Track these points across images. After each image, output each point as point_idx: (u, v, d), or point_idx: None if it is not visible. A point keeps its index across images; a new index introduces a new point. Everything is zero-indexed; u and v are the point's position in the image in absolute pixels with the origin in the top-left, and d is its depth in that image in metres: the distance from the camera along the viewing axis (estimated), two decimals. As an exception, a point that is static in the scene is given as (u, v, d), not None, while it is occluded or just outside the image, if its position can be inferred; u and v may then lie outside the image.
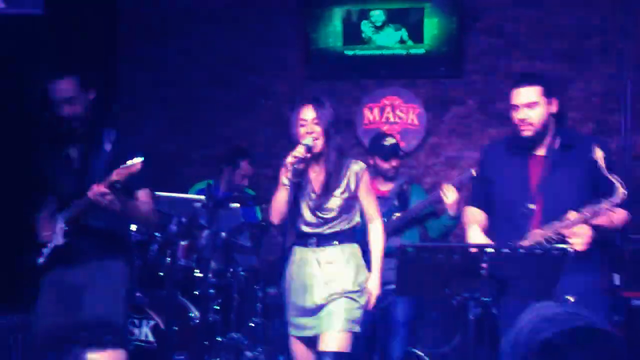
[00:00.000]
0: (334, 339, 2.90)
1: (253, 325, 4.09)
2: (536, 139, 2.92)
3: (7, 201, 4.16)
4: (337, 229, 3.04)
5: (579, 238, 2.71)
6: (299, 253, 3.07)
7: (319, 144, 2.98)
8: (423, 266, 2.37)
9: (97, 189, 2.88)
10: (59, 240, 3.08)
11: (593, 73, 5.11)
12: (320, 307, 2.97)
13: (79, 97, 3.05)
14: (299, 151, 2.93)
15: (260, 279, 4.05)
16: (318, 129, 2.97)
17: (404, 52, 5.29)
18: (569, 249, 2.39)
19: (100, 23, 5.13)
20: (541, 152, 2.96)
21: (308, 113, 2.98)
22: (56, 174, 3.15)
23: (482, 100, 5.30)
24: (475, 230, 2.96)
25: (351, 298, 2.97)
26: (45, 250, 3.12)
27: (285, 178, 2.98)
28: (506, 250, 2.35)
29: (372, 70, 5.38)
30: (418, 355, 4.01)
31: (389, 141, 3.94)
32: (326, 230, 3.03)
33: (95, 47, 4.93)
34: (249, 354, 3.98)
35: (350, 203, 3.05)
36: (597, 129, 4.98)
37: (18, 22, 3.75)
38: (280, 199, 3.01)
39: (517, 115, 2.93)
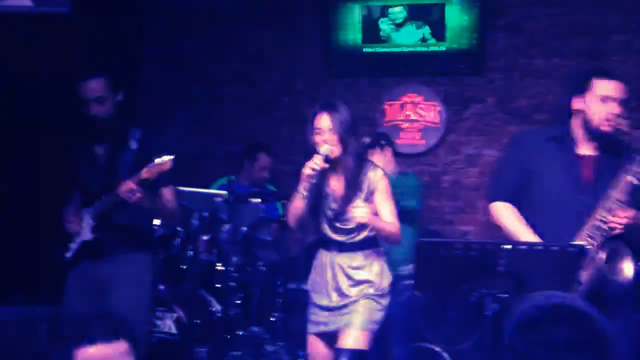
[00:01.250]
0: (353, 336, 2.90)
1: (273, 319, 4.14)
2: (610, 137, 2.77)
3: (35, 195, 4.25)
4: (360, 238, 3.00)
5: (617, 217, 2.64)
6: (323, 257, 3.06)
7: (336, 151, 2.93)
8: (440, 262, 2.40)
9: (128, 186, 2.96)
10: (87, 235, 3.16)
11: (614, 71, 5.08)
12: (341, 307, 2.98)
13: (107, 97, 3.14)
14: (317, 162, 2.87)
15: (280, 273, 4.10)
16: (334, 136, 2.92)
17: (424, 49, 5.31)
18: (586, 246, 2.40)
19: (126, 21, 5.20)
20: (586, 151, 2.85)
21: (323, 121, 2.93)
22: (83, 171, 3.23)
23: (502, 98, 5.30)
24: (524, 229, 2.82)
25: (374, 300, 2.98)
26: (73, 245, 3.20)
27: (302, 188, 2.94)
28: (523, 246, 2.38)
29: (392, 67, 5.39)
30: (436, 352, 4.05)
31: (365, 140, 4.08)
32: (348, 240, 3.01)
33: (120, 46, 5.00)
34: (269, 348, 4.03)
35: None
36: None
37: (46, 20, 3.83)
38: (297, 207, 3.00)
39: (612, 109, 2.75)
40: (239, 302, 4.17)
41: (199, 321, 3.95)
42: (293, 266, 4.24)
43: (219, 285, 4.10)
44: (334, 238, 3.01)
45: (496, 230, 5.23)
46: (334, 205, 2.99)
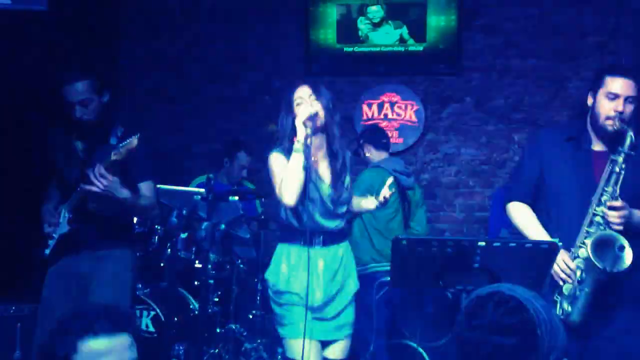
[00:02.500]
0: (341, 347, 2.91)
1: (252, 317, 4.15)
2: (615, 135, 2.74)
3: (11, 192, 4.21)
4: (343, 225, 2.92)
5: (615, 212, 2.64)
6: (301, 253, 2.81)
7: (322, 117, 2.76)
8: (417, 258, 2.43)
9: (97, 170, 2.94)
10: (63, 228, 3.15)
11: (589, 72, 5.17)
12: (324, 307, 2.86)
13: (92, 99, 3.12)
14: (308, 110, 2.69)
15: (259, 271, 4.11)
16: (318, 103, 2.76)
17: (402, 49, 5.35)
18: (558, 243, 2.44)
19: (103, 20, 5.17)
20: (600, 147, 2.84)
21: (304, 91, 2.79)
22: (61, 165, 3.22)
23: (479, 98, 5.37)
24: (536, 228, 2.84)
25: (355, 302, 2.95)
26: (51, 242, 3.18)
27: (298, 143, 2.68)
28: (498, 243, 2.42)
29: (371, 67, 5.43)
30: (413, 348, 4.08)
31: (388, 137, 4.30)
32: (335, 227, 2.86)
33: (98, 44, 4.97)
34: (248, 345, 4.04)
35: (350, 196, 2.94)
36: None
37: (22, 17, 3.80)
38: (295, 169, 2.68)
39: (615, 107, 2.73)
40: (217, 299, 4.18)
41: (177, 319, 3.95)
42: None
43: (197, 283, 4.10)
44: (322, 226, 2.82)
45: (472, 228, 5.32)
46: (329, 190, 2.83)
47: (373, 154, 4.35)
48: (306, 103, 2.76)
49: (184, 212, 3.52)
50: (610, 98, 2.74)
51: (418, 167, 5.37)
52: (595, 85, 2.82)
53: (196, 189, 3.75)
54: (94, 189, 2.96)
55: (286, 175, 2.73)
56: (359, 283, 3.00)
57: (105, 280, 3.13)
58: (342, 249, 2.91)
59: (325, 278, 2.84)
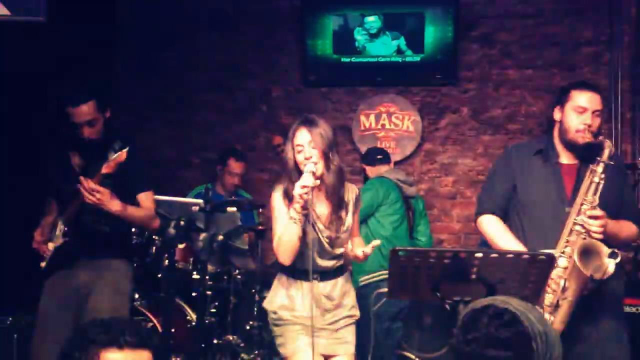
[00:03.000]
0: None
1: (249, 328, 4.14)
2: (585, 147, 2.84)
3: (14, 206, 4.22)
4: (339, 263, 2.92)
5: (596, 220, 2.70)
6: (300, 286, 2.85)
7: (320, 168, 2.76)
8: (414, 269, 2.43)
9: (87, 185, 2.97)
10: (58, 240, 3.15)
11: (592, 82, 5.20)
12: (330, 326, 2.89)
13: (98, 119, 3.18)
14: (307, 181, 2.67)
15: (256, 282, 4.11)
16: (316, 151, 2.76)
17: (399, 59, 5.37)
18: (556, 255, 2.45)
19: (101, 30, 5.19)
20: (567, 160, 2.93)
21: (302, 137, 2.77)
22: (59, 179, 3.23)
23: (476, 108, 5.39)
24: (510, 240, 2.90)
25: (355, 324, 2.98)
26: (47, 255, 3.19)
27: (294, 211, 2.70)
28: (495, 254, 2.42)
29: (368, 77, 5.45)
30: (411, 359, 4.08)
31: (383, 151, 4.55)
32: (332, 266, 2.89)
33: (95, 54, 4.98)
34: (245, 356, 4.03)
35: (350, 232, 2.93)
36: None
37: (22, 28, 3.82)
38: (291, 236, 2.72)
39: (584, 120, 2.84)
40: (214, 310, 4.17)
41: (174, 330, 3.94)
42: (269, 275, 4.25)
43: (194, 294, 4.09)
44: (319, 266, 2.83)
45: (470, 238, 5.33)
46: (326, 232, 2.83)
47: (374, 172, 4.53)
48: (302, 154, 2.77)
49: (182, 222, 3.52)
50: (578, 112, 2.84)
51: (415, 177, 5.38)
52: (561, 100, 2.91)
53: (194, 200, 3.76)
54: (87, 200, 2.98)
55: (282, 240, 2.77)
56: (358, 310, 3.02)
57: (104, 290, 3.13)
58: (341, 281, 2.93)
59: (326, 305, 2.87)
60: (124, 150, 2.95)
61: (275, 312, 2.90)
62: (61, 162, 3.25)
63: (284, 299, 2.88)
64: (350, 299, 2.97)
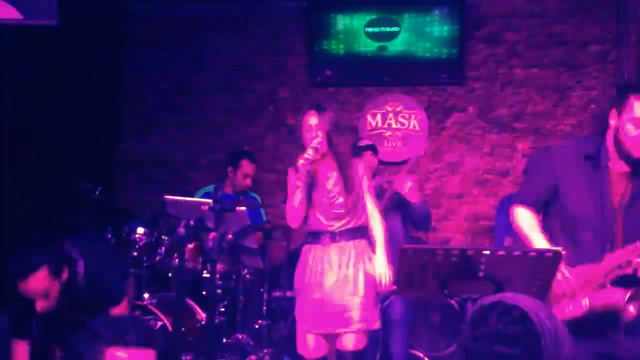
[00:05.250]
0: (353, 338, 3.17)
1: (258, 327, 4.17)
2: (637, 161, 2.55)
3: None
4: (349, 226, 3.30)
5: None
6: (312, 251, 3.30)
7: (324, 144, 3.27)
8: (422, 267, 2.45)
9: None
10: None
11: (591, 81, 5.21)
12: (338, 305, 3.19)
13: (52, 287, 2.76)
14: (309, 153, 3.20)
15: (265, 281, 4.14)
16: (321, 132, 3.25)
17: (406, 59, 5.39)
18: (562, 251, 2.46)
19: (110, 31, 5.23)
20: (620, 169, 2.62)
21: (311, 119, 3.28)
22: None
23: (482, 107, 5.40)
24: (537, 236, 2.66)
25: (366, 295, 3.20)
26: None
27: (297, 179, 3.24)
28: (502, 252, 2.44)
29: (375, 76, 5.48)
30: (419, 357, 4.10)
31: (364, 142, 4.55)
32: (338, 227, 3.28)
33: (104, 56, 5.02)
34: (254, 355, 4.06)
35: (357, 200, 3.32)
36: (595, 136, 5.08)
37: (34, 31, 3.85)
38: (296, 201, 3.26)
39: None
40: (223, 309, 4.20)
41: (184, 329, 3.97)
42: (277, 274, 4.28)
43: (204, 293, 4.12)
44: (327, 227, 3.28)
45: (476, 237, 5.34)
46: (330, 193, 3.30)
47: None
48: (310, 133, 3.27)
49: (191, 222, 3.55)
50: (636, 124, 2.53)
51: (422, 176, 5.40)
52: (619, 104, 2.58)
53: (203, 200, 3.78)
54: None
55: (290, 204, 3.29)
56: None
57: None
58: (353, 245, 3.27)
59: (334, 267, 3.23)
60: None
61: (295, 281, 3.34)
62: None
63: (303, 267, 3.31)
64: (361, 269, 3.24)
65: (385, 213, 3.98)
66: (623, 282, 2.51)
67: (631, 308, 2.49)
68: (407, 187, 4.09)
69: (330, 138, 3.30)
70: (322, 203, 3.30)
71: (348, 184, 3.30)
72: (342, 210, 3.30)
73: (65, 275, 2.79)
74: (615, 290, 2.51)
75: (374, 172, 4.27)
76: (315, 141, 3.24)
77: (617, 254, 2.54)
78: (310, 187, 3.29)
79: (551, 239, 2.68)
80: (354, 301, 3.19)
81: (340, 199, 3.30)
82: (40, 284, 2.70)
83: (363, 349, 3.22)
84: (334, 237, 3.28)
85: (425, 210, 4.26)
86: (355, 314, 3.18)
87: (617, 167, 2.63)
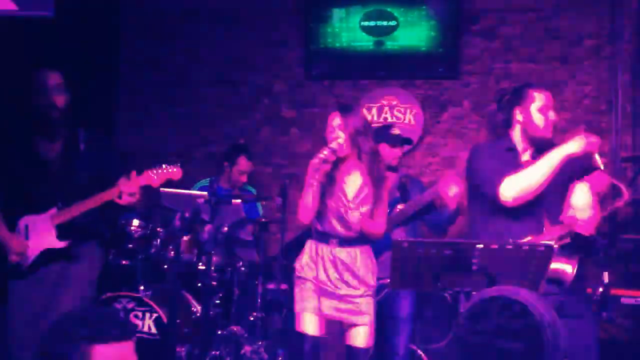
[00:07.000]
0: (364, 335, 3.14)
1: (253, 319, 4.19)
2: (547, 142, 3.07)
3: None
4: (357, 235, 3.22)
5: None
6: (320, 249, 3.21)
7: (345, 148, 3.17)
8: (416, 260, 2.48)
9: (130, 190, 2.99)
10: (54, 243, 3.11)
11: (584, 76, 5.23)
12: (346, 296, 3.15)
13: (65, 89, 3.13)
14: (323, 153, 3.13)
15: (259, 274, 4.15)
16: (343, 134, 3.16)
17: (401, 53, 5.40)
18: (554, 246, 2.49)
19: (105, 23, 5.22)
20: (527, 157, 3.12)
21: (335, 120, 3.20)
22: (30, 176, 3.13)
23: (477, 102, 5.41)
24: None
25: (372, 296, 3.19)
26: (30, 253, 3.13)
27: (311, 178, 3.15)
28: (495, 245, 2.46)
29: (370, 70, 5.48)
30: (413, 351, 4.12)
31: (396, 131, 4.17)
32: (351, 235, 3.21)
33: (99, 47, 5.01)
34: (248, 347, 4.07)
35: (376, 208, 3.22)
36: (588, 130, 5.09)
37: (28, 22, 3.84)
38: (308, 199, 3.17)
39: (551, 116, 3.12)
40: (218, 301, 4.21)
41: (179, 321, 3.99)
42: (271, 266, 4.30)
43: (199, 285, 4.14)
44: (338, 232, 3.19)
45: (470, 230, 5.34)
46: (346, 201, 3.19)
47: None
48: (332, 134, 3.17)
49: (187, 215, 3.56)
50: (541, 110, 3.09)
51: (417, 170, 5.41)
52: (520, 101, 3.13)
53: (199, 192, 3.80)
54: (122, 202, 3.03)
55: (302, 200, 3.19)
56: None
57: (74, 285, 3.13)
58: (359, 251, 3.20)
59: (340, 267, 3.16)
60: (178, 170, 2.97)
61: (297, 270, 3.25)
62: (30, 159, 3.12)
63: (307, 259, 3.23)
64: (369, 272, 3.19)
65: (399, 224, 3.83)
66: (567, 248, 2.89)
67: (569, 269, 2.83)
68: (452, 191, 3.60)
69: (354, 141, 3.18)
70: (338, 211, 3.20)
71: (366, 194, 3.19)
72: (357, 224, 3.20)
73: (70, 94, 3.14)
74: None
75: (398, 163, 4.09)
76: (334, 142, 3.16)
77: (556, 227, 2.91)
78: (325, 188, 3.19)
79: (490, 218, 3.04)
80: (361, 291, 3.15)
81: (356, 213, 3.19)
82: (55, 76, 3.13)
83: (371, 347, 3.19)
84: (342, 243, 3.20)
85: (455, 218, 3.99)
86: (364, 307, 3.15)
87: (525, 158, 3.13)
